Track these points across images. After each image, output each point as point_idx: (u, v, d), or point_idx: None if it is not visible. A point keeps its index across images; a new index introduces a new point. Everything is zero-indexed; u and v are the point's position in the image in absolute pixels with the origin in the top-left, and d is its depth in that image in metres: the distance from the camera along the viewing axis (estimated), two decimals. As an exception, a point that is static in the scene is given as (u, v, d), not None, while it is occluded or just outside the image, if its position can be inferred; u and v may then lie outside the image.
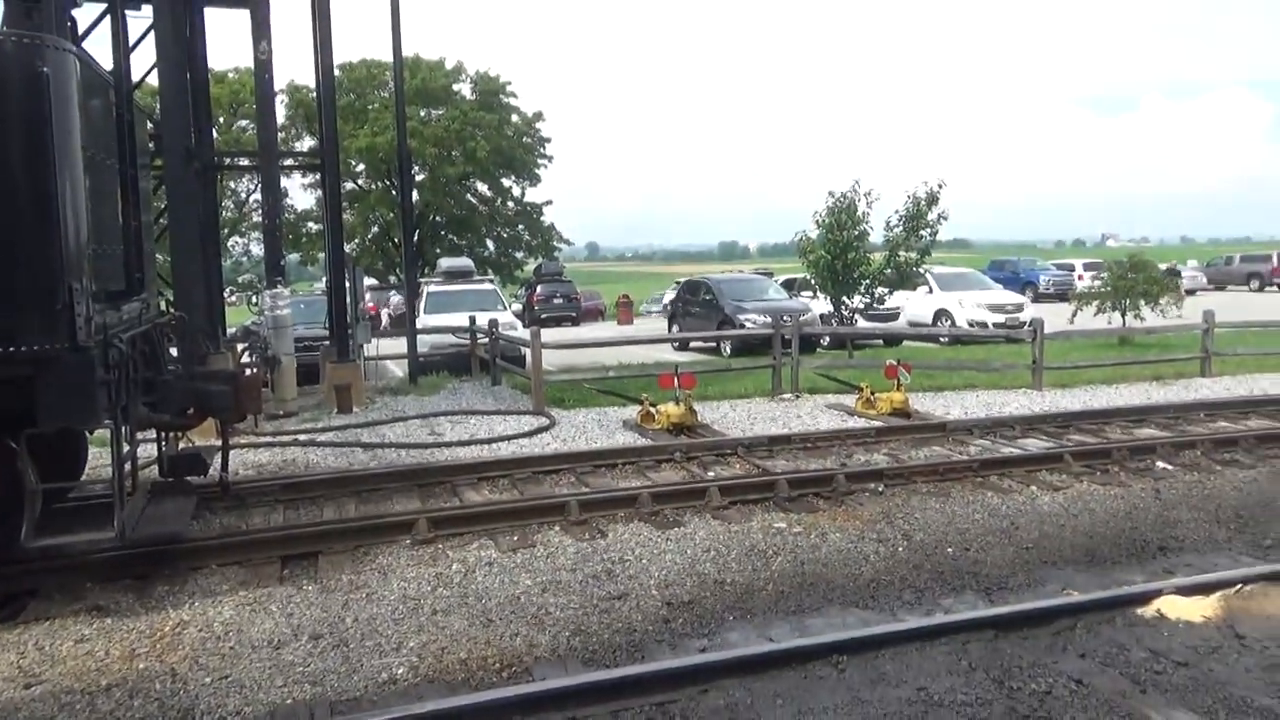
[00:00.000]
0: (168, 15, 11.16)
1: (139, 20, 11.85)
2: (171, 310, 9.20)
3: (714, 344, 21.02)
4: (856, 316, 20.34)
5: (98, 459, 8.33)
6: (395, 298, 27.68)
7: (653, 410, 11.14)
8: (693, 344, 22.13)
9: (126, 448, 5.99)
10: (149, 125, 10.04)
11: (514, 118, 40.68)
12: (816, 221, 20.11)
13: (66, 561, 6.13)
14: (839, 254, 19.38)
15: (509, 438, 10.69)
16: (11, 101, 5.26)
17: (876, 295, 20.03)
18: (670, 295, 30.88)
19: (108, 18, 10.70)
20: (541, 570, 6.19)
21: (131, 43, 11.25)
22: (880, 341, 20.41)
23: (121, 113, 7.15)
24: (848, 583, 5.91)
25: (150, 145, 10.33)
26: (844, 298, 19.97)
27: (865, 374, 13.53)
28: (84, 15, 10.86)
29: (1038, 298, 33.64)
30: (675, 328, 23.82)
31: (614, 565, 6.26)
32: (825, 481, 8.11)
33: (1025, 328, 16.17)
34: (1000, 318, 22.48)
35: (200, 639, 5.19)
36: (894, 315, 22.46)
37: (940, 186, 19.68)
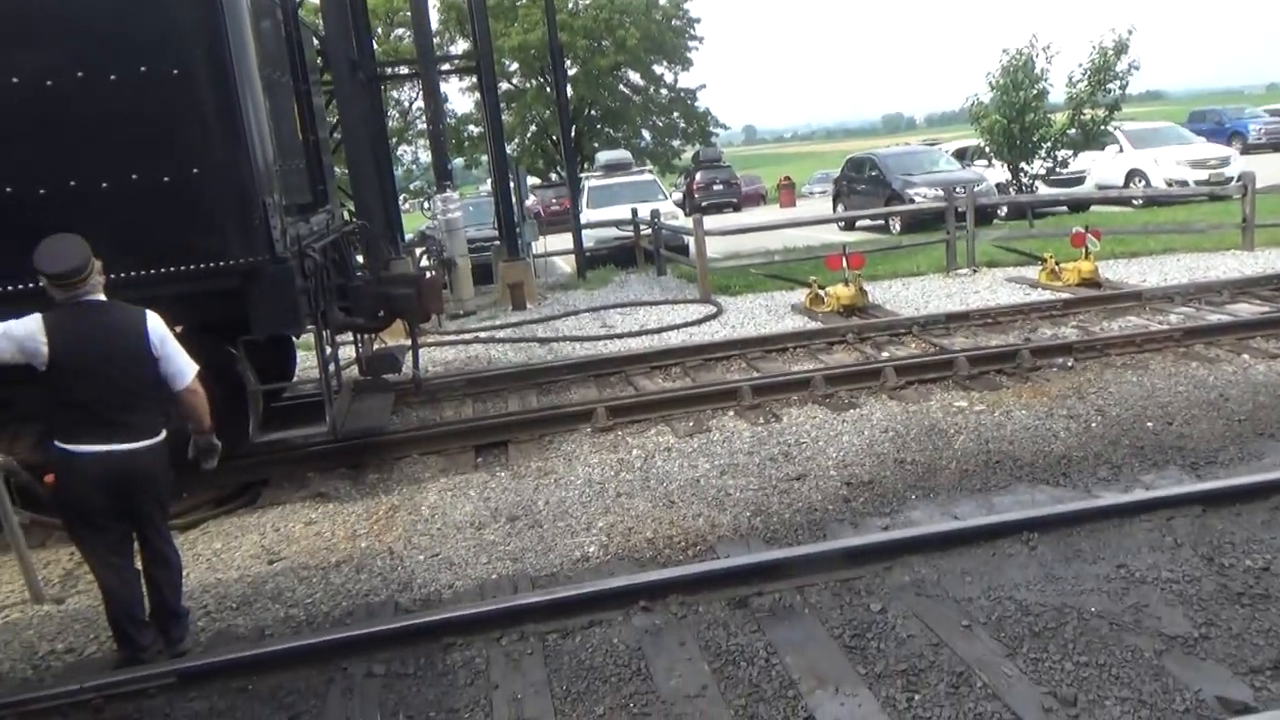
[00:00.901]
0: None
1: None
2: (354, 219, 9.67)
3: (882, 222, 20.24)
4: (1037, 183, 18.99)
5: (304, 362, 9.03)
6: (548, 194, 28.02)
7: (821, 293, 10.94)
8: (860, 223, 21.40)
9: (329, 350, 6.46)
10: (314, 42, 10.37)
11: (661, 1, 39.58)
12: (990, 84, 18.74)
13: (289, 454, 6.77)
14: (1015, 117, 18.05)
15: (678, 326, 10.79)
16: (193, 27, 5.52)
17: (1059, 159, 18.58)
18: (833, 174, 29.81)
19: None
20: (718, 454, 6.30)
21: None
22: (1064, 208, 19.05)
23: (290, 31, 7.43)
24: (1037, 460, 5.71)
25: (318, 61, 10.72)
26: (1023, 164, 18.66)
27: (1049, 244, 12.71)
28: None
29: (1247, 149, 30.21)
30: (840, 207, 23.04)
31: (790, 448, 6.29)
32: (1008, 358, 7.77)
33: (1233, 183, 14.64)
34: (1203, 174, 20.37)
35: (410, 521, 5.65)
36: (1079, 179, 20.83)
37: (1130, 33, 17.82)
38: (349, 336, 7.69)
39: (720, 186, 34.01)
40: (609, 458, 6.46)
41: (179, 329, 4.29)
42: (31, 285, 3.95)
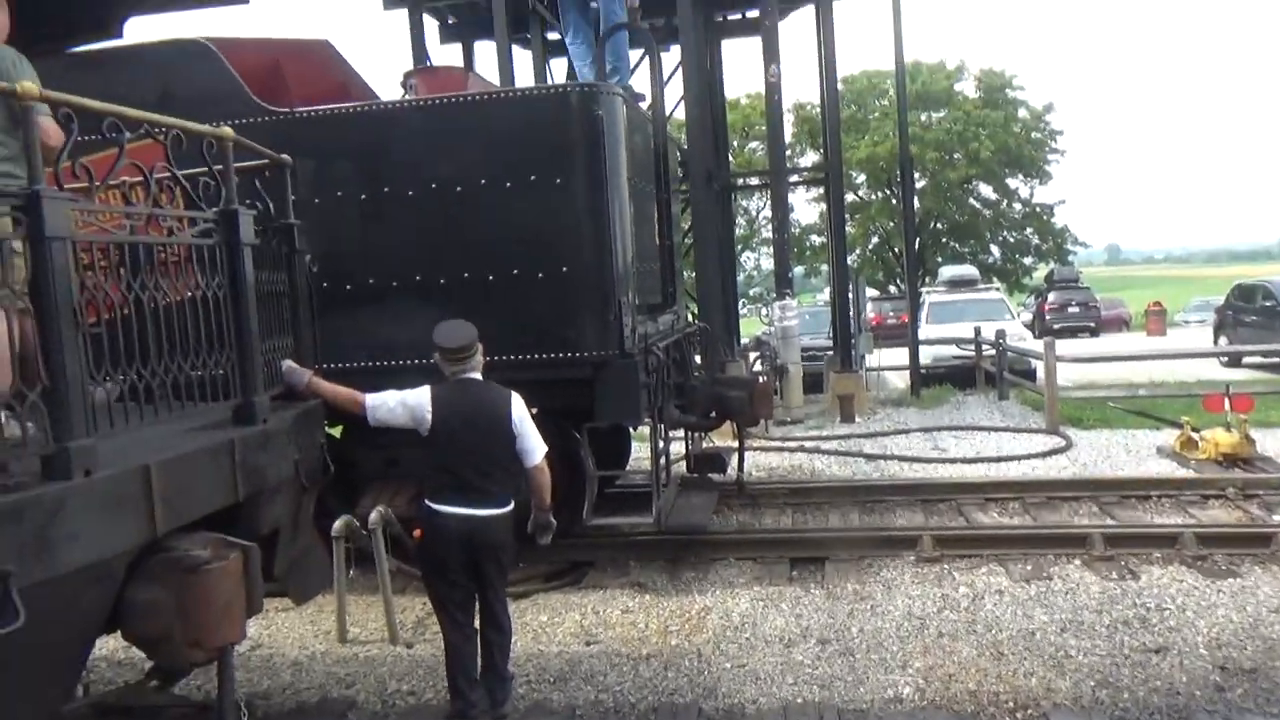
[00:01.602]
0: (693, 52, 12.35)
1: (669, 56, 13.32)
2: (696, 321, 10.14)
3: (1277, 361, 17.56)
4: None
5: (636, 453, 9.48)
6: (886, 306, 27.61)
7: (1195, 436, 9.61)
8: (1247, 360, 18.72)
9: (661, 444, 6.73)
10: (677, 154, 11.19)
11: (1021, 113, 38.13)
12: None
13: (615, 540, 7.09)
14: None
15: (1019, 457, 10.00)
16: (576, 142, 6.21)
17: None
18: (1216, 302, 26.46)
19: (646, 59, 12.19)
20: (1059, 607, 5.66)
21: (665, 78, 12.68)
22: None
23: (658, 143, 8.06)
24: None
25: (679, 170, 11.53)
26: None
27: None
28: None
29: None
30: (1223, 340, 20.34)
31: (1148, 613, 5.50)
32: None
33: None
34: None
35: (721, 626, 5.64)
36: None
37: None
38: (681, 433, 7.97)
39: (1076, 309, 31.50)
40: (932, 591, 6.04)
41: (534, 411, 4.71)
42: (429, 361, 4.55)
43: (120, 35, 5.20)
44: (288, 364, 4.37)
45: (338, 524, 5.57)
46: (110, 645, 5.24)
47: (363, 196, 6.38)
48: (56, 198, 2.84)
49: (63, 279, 2.82)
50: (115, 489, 2.92)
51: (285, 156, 4.63)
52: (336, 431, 6.44)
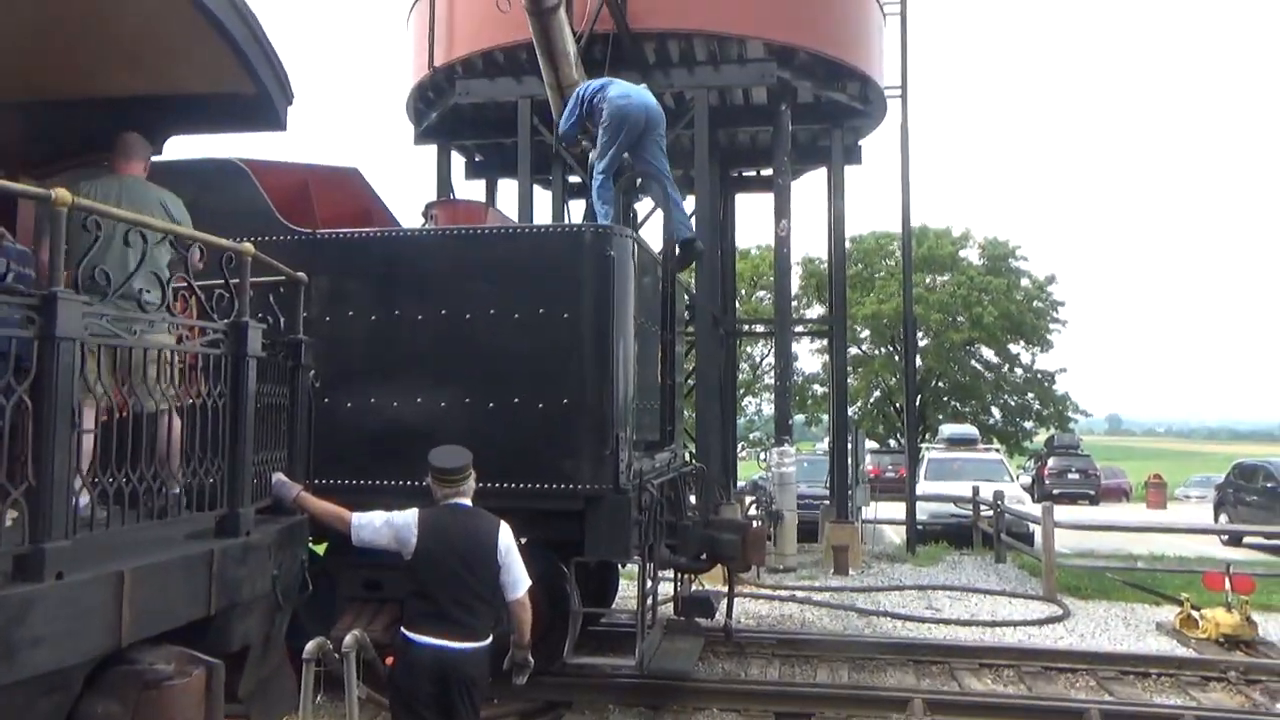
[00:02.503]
0: (708, 204, 12.82)
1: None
2: (693, 461, 10.12)
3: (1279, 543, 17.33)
4: None
5: (623, 591, 9.27)
6: (884, 460, 27.55)
7: (1195, 615, 9.39)
8: (1248, 540, 18.48)
9: (649, 584, 6.60)
10: (685, 297, 11.45)
11: (1024, 282, 39.07)
12: None
13: (595, 680, 6.85)
14: None
15: (1015, 623, 9.76)
16: (587, 281, 6.38)
17: None
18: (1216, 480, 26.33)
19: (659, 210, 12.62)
20: (1054, 785, 5.40)
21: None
22: None
23: (667, 287, 8.25)
24: None
25: (685, 314, 11.77)
26: None
27: None
28: (643, 206, 12.98)
29: None
30: (1223, 518, 20.14)
31: (1148, 798, 5.24)
32: None
33: None
34: None
35: (698, 782, 5.38)
36: None
37: None
38: (670, 573, 7.82)
39: (1076, 475, 31.39)
40: (921, 760, 5.79)
41: (522, 541, 4.64)
42: (421, 483, 4.52)
43: (160, 151, 5.42)
44: (278, 477, 4.36)
45: (311, 645, 5.36)
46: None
47: (373, 317, 6.50)
48: (71, 300, 2.91)
49: (66, 379, 2.86)
50: (85, 595, 2.86)
51: (301, 274, 4.76)
52: (320, 549, 6.34)
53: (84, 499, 3.14)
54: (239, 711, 3.90)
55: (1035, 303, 39.19)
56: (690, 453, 11.29)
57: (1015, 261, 39.66)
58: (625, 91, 7.95)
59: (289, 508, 4.34)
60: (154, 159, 5.74)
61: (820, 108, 13.62)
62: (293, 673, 4.65)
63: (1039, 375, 39.75)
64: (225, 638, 3.61)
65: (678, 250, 8.24)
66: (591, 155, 8.21)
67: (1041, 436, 39.57)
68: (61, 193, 2.98)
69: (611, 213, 7.80)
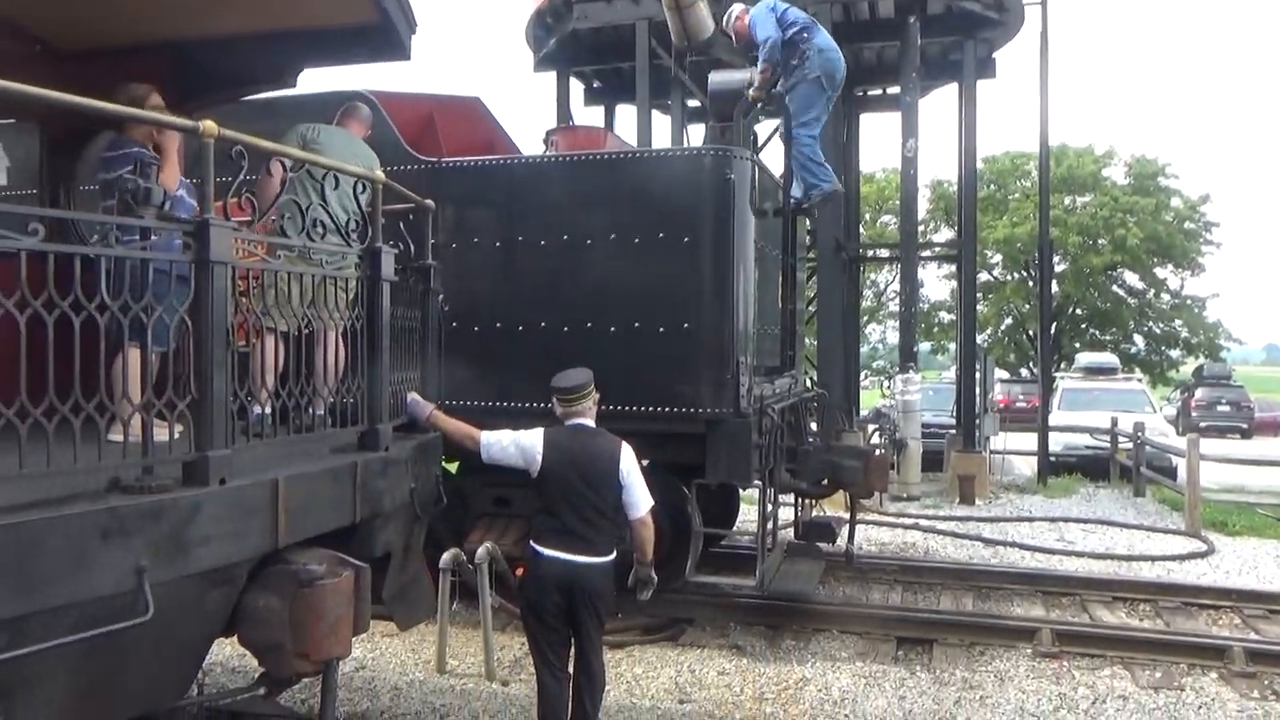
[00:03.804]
0: (830, 125, 12.41)
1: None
2: (814, 387, 10.04)
3: None
4: None
5: (744, 515, 9.37)
6: (1015, 389, 26.60)
7: (1358, 553, 8.82)
8: None
9: (769, 508, 6.65)
10: (807, 222, 11.21)
11: (1174, 202, 36.47)
12: None
13: (716, 599, 6.99)
14: None
15: (1153, 558, 9.37)
16: (706, 203, 6.34)
17: None
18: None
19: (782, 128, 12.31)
20: (1190, 720, 5.25)
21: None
22: None
23: (787, 210, 8.10)
24: None
25: (807, 239, 11.54)
26: None
27: None
28: (763, 129, 12.70)
29: None
30: (1394, 453, 18.68)
31: (1295, 737, 5.03)
32: None
33: None
34: None
35: (819, 699, 5.46)
36: None
37: None
38: (791, 498, 7.85)
39: (1226, 408, 29.54)
40: (1049, 689, 5.69)
41: (644, 463, 4.73)
42: (546, 405, 4.67)
43: (294, 85, 5.63)
44: (413, 396, 4.56)
45: (446, 556, 5.71)
46: (225, 652, 5.50)
47: (497, 244, 6.66)
48: (222, 226, 3.09)
49: (220, 300, 3.05)
50: (246, 499, 3.10)
51: (429, 201, 4.90)
52: (452, 467, 6.65)
53: (255, 410, 3.41)
54: (383, 613, 4.18)
55: (1186, 224, 36.60)
56: (811, 380, 11.19)
57: (1165, 180, 37.02)
58: (830, 42, 7.40)
59: (423, 426, 4.55)
60: (287, 93, 6.00)
61: (951, 18, 12.91)
62: (431, 581, 4.94)
63: (1188, 301, 37.34)
64: (369, 545, 3.84)
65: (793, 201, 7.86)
66: (788, 101, 7.51)
67: (1189, 366, 37.36)
68: (209, 124, 3.14)
69: (828, 172, 7.44)
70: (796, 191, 7.58)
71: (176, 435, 3.10)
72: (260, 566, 3.19)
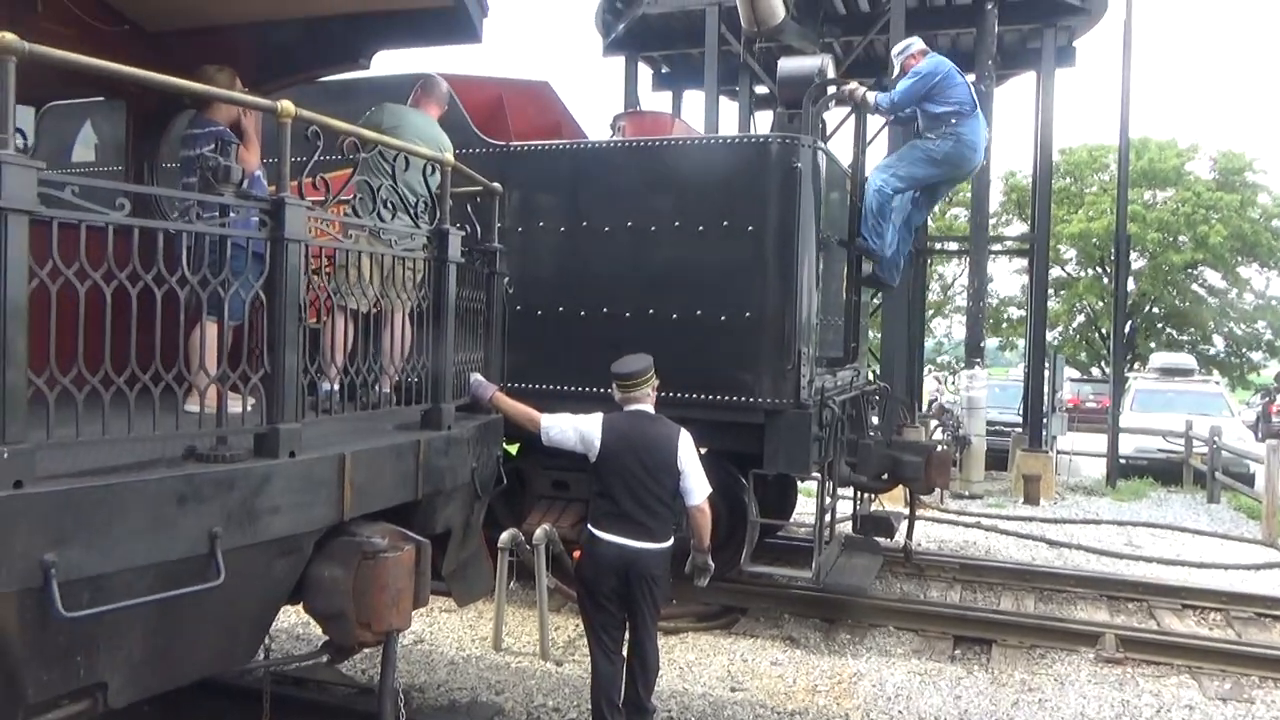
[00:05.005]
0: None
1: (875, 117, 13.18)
2: (877, 381, 9.90)
3: None
4: None
5: (802, 507, 9.31)
6: (1085, 389, 25.90)
7: None
8: None
9: (828, 500, 6.59)
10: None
11: (1261, 199, 35.02)
12: None
13: (771, 590, 6.98)
14: None
15: (1226, 566, 9.07)
16: (771, 192, 6.29)
17: None
18: None
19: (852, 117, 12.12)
20: (1261, 734, 5.08)
21: (869, 138, 12.56)
22: None
23: (855, 200, 7.98)
24: None
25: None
26: None
27: None
28: (831, 117, 12.50)
29: None
30: None
31: (1373, 758, 4.84)
32: None
33: None
34: None
35: (873, 694, 5.42)
36: None
37: None
38: (849, 492, 7.78)
39: (1310, 413, 28.35)
40: (1111, 695, 5.57)
41: (703, 451, 4.73)
42: (606, 390, 4.70)
43: (368, 67, 5.73)
44: (476, 377, 4.62)
45: (504, 536, 5.79)
46: (290, 620, 5.66)
47: (562, 228, 6.70)
48: (296, 205, 3.17)
49: (293, 277, 3.13)
50: (315, 472, 3.18)
51: (496, 185, 4.95)
52: (513, 449, 6.73)
53: (324, 386, 3.53)
54: (442, 588, 4.26)
55: (1275, 222, 35.16)
56: (874, 373, 11.04)
57: (1252, 175, 35.59)
58: (978, 139, 7.06)
59: (485, 407, 4.61)
60: (361, 75, 6.10)
61: (1031, 5, 12.59)
62: (489, 560, 5.02)
63: (1273, 302, 35.92)
64: (430, 521, 3.92)
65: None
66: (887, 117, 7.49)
67: (1271, 370, 35.99)
68: (286, 105, 3.21)
69: (881, 237, 7.26)
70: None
71: (249, 408, 3.20)
72: (326, 538, 3.27)
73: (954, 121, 6.94)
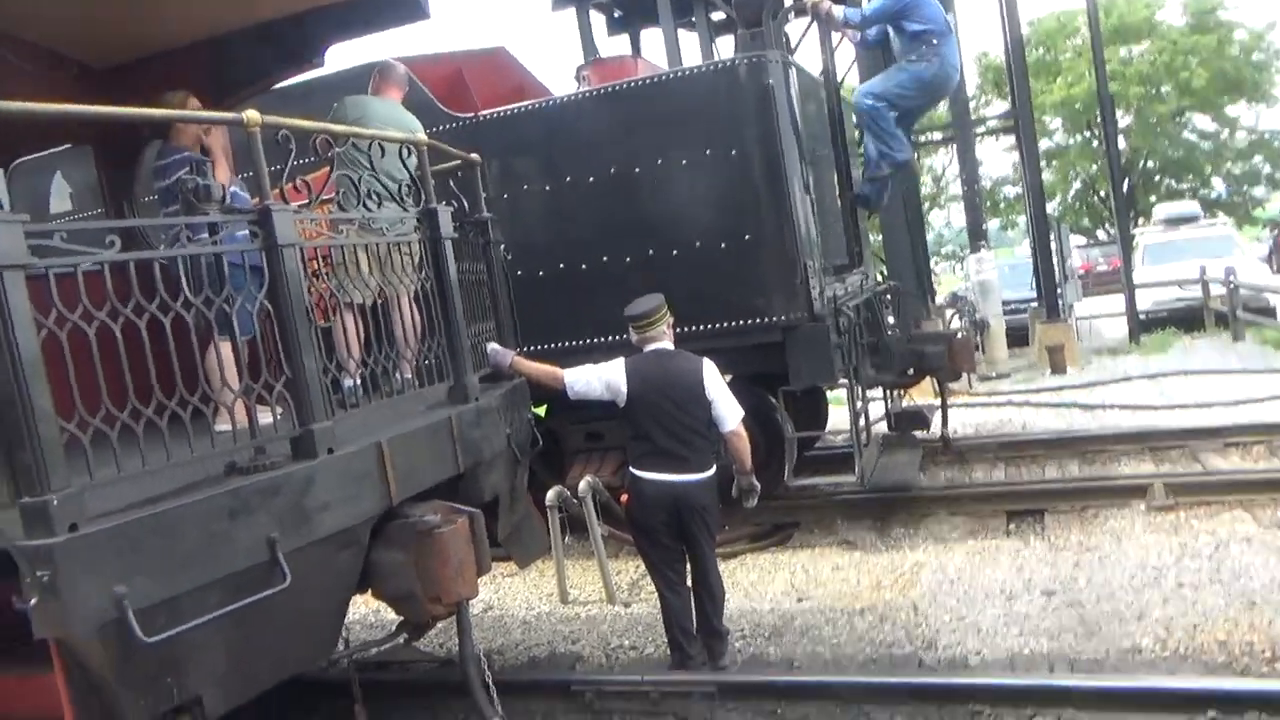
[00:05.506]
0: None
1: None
2: (886, 280, 9.87)
3: None
4: None
5: (834, 415, 9.35)
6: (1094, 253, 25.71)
7: None
8: None
9: (859, 404, 6.63)
10: (853, 117, 10.90)
11: (1238, 35, 34.25)
12: None
13: (819, 500, 7.06)
14: None
15: (1261, 400, 9.06)
16: (749, 114, 6.22)
17: None
18: None
19: (814, 25, 11.93)
20: (1322, 551, 5.13)
21: (835, 43, 12.36)
22: None
23: (832, 107, 7.90)
24: None
25: (856, 133, 11.23)
26: None
27: None
28: (793, 30, 12.31)
29: None
30: None
31: None
32: None
33: None
34: None
35: (936, 580, 5.49)
36: None
37: None
38: (879, 392, 7.81)
39: (1323, 239, 28.08)
40: (1168, 541, 5.62)
41: (729, 377, 4.75)
42: (622, 337, 4.73)
43: (323, 64, 5.67)
44: (492, 346, 4.65)
45: (551, 493, 5.87)
46: (363, 610, 5.79)
47: (547, 187, 6.67)
48: (282, 210, 3.17)
49: (295, 281, 3.14)
50: (355, 464, 3.23)
51: (474, 155, 4.92)
52: (541, 411, 6.79)
53: (347, 382, 3.59)
54: (502, 554, 4.35)
55: (1254, 55, 34.43)
56: (881, 273, 11.00)
57: (1225, 13, 34.76)
58: (956, 60, 7.00)
59: (506, 373, 4.65)
60: (317, 74, 6.05)
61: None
62: (540, 519, 5.09)
63: (1266, 135, 35.34)
64: (477, 491, 3.99)
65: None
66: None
67: (1276, 203, 35.57)
68: (251, 114, 3.20)
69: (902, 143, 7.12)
70: (869, 149, 7.17)
71: (279, 416, 3.24)
72: (381, 524, 3.34)
73: (935, 43, 6.77)
